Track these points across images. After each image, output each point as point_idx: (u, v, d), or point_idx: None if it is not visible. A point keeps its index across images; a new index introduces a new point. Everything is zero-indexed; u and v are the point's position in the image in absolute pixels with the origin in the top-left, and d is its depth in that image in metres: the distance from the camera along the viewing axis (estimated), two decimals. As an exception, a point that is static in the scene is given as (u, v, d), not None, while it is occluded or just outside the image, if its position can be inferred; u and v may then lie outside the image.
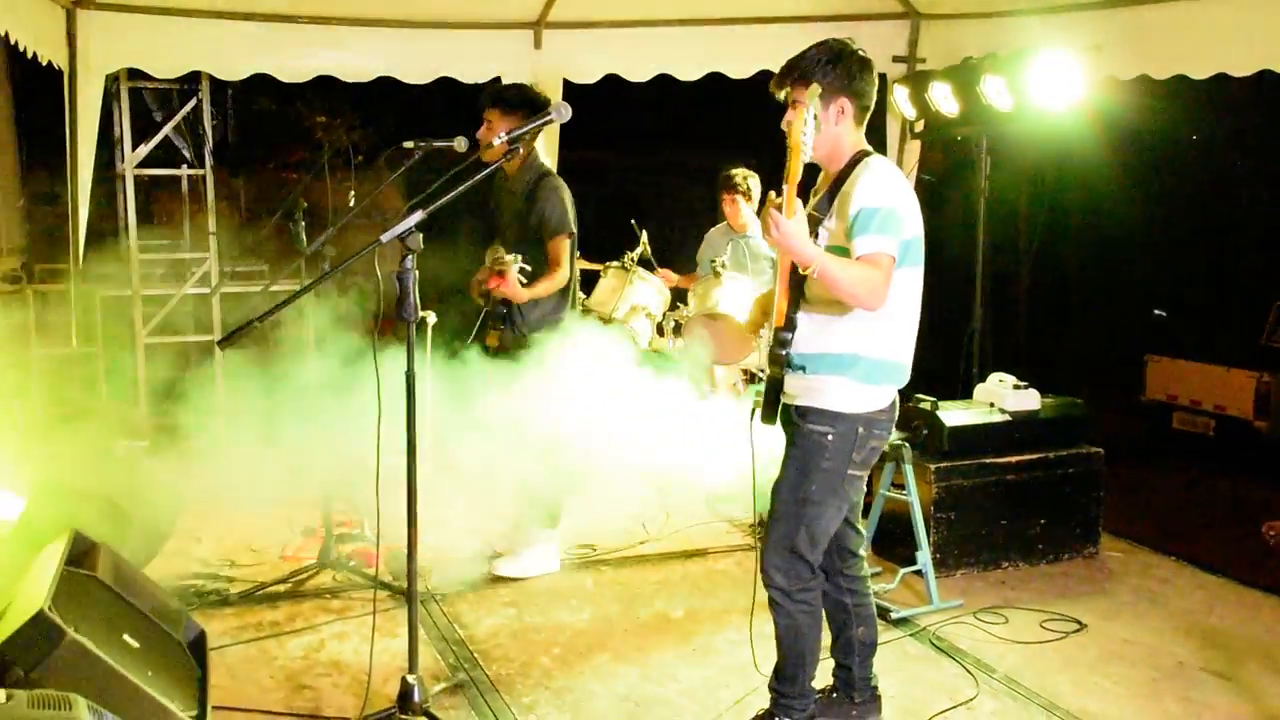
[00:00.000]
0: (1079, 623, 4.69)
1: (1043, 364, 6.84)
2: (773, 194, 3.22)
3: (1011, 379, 5.48)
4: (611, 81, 7.06)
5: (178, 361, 8.12)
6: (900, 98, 7.06)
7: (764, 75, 7.07)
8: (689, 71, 7.06)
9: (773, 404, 3.51)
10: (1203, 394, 7.32)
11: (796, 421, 3.46)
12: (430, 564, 5.04)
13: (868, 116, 3.46)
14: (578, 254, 5.18)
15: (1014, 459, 5.26)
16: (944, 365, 6.83)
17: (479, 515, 5.51)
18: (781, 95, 3.43)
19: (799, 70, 3.36)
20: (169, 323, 7.94)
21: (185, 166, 8.04)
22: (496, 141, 3.64)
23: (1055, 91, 5.98)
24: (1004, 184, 6.94)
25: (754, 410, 3.59)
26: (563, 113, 3.53)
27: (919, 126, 7.16)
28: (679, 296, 7.08)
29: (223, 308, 8.06)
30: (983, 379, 5.69)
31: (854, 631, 3.71)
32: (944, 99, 6.71)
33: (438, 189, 3.51)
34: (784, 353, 3.40)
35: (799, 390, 3.46)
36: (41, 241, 9.18)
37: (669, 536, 5.71)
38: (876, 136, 7.47)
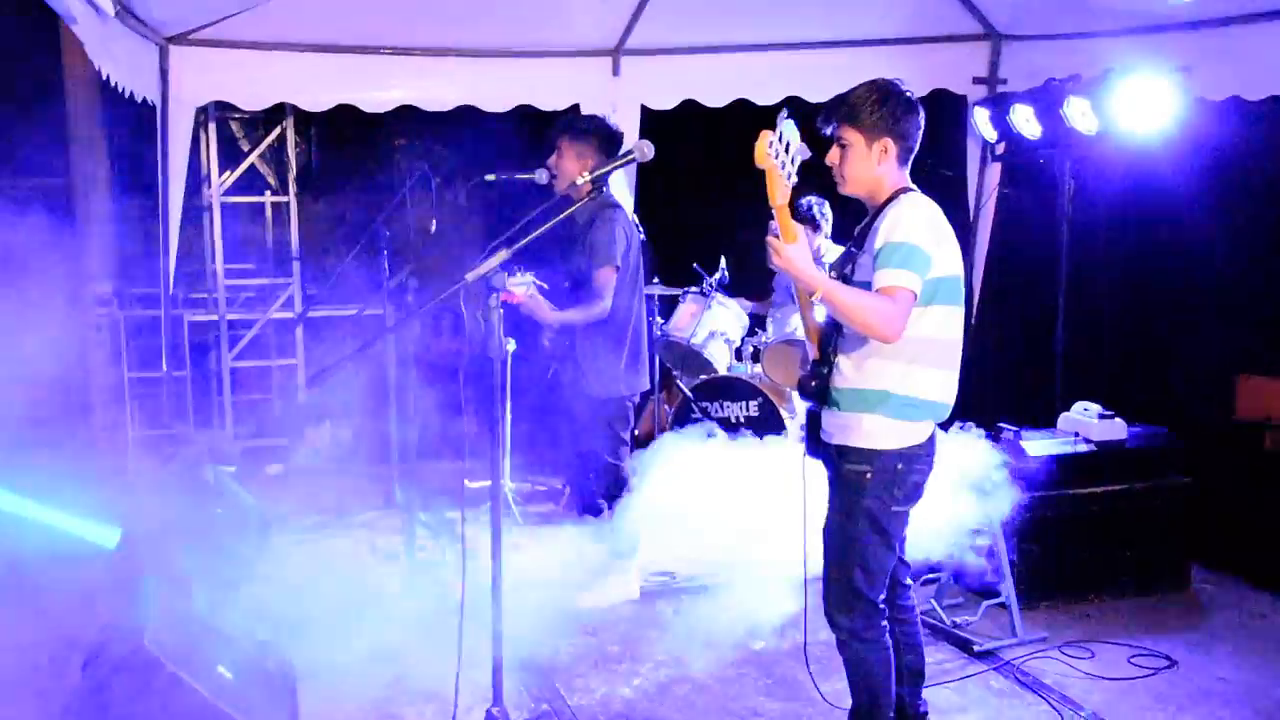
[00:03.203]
0: (1169, 659, 4.60)
1: (1129, 386, 6.71)
2: (771, 224, 3.26)
3: (1097, 408, 5.38)
4: (690, 107, 7.08)
5: (262, 385, 8.29)
6: (981, 119, 6.99)
7: (842, 99, 7.03)
8: (767, 96, 7.04)
9: (815, 438, 3.58)
10: (1297, 414, 7.12)
11: (836, 461, 3.49)
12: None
13: (911, 157, 3.49)
14: (649, 283, 5.17)
15: (1099, 490, 5.17)
16: (1028, 391, 6.73)
17: (562, 544, 5.54)
18: (829, 131, 3.48)
19: (846, 108, 3.42)
20: (253, 347, 8.10)
21: (269, 193, 8.22)
22: (580, 180, 3.68)
23: (1142, 113, 5.88)
24: (1088, 207, 6.84)
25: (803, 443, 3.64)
26: (646, 152, 3.55)
27: (1000, 149, 7.08)
28: (757, 322, 7.10)
29: (306, 333, 8.22)
30: (1067, 404, 5.60)
31: (902, 659, 3.70)
32: (1025, 121, 6.63)
33: (520, 229, 3.54)
34: (814, 385, 3.44)
35: (834, 428, 3.49)
36: (131, 264, 9.37)
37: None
38: (957, 158, 7.45)
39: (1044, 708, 4.18)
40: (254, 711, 3.42)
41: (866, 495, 3.41)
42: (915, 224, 3.30)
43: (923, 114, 3.48)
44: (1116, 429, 5.32)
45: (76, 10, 4.02)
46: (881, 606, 3.54)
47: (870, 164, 3.42)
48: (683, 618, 5.01)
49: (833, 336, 3.45)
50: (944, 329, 3.41)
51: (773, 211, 3.22)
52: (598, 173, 3.67)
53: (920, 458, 3.46)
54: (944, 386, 3.46)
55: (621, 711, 4.16)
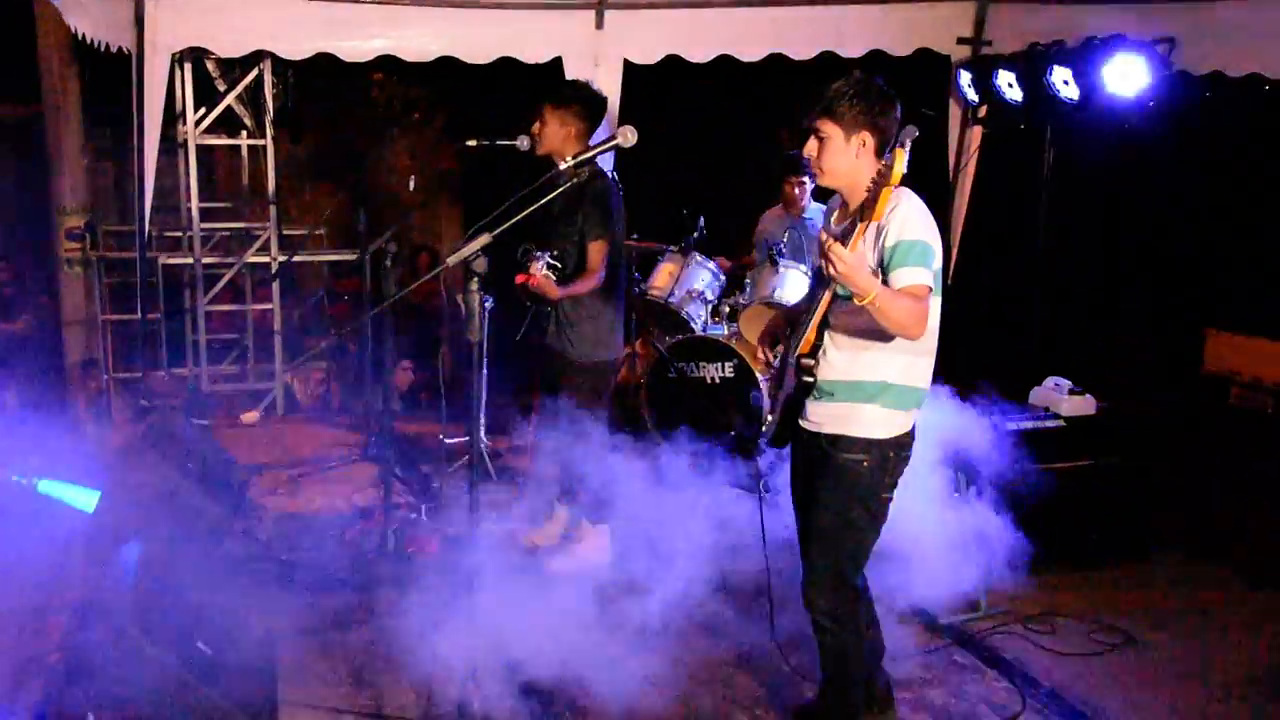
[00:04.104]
0: (1127, 635, 4.71)
1: (1102, 348, 6.80)
2: (822, 230, 3.28)
3: (1068, 383, 5.45)
4: (673, 62, 7.02)
5: (237, 329, 8.26)
6: (964, 82, 6.97)
7: (826, 57, 7.02)
8: (750, 52, 6.99)
9: (786, 425, 3.60)
10: (1263, 370, 7.24)
11: (827, 450, 3.50)
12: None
13: (887, 150, 3.45)
14: (627, 239, 5.14)
15: (1067, 465, 5.24)
16: (1002, 355, 6.78)
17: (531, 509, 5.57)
18: (806, 123, 3.47)
19: (823, 101, 3.41)
20: (229, 290, 8.06)
21: (246, 135, 8.12)
22: (563, 165, 3.67)
23: (1123, 84, 5.89)
24: (1068, 172, 6.86)
25: (764, 431, 3.66)
26: (629, 138, 3.56)
27: (983, 112, 7.07)
28: (735, 282, 7.11)
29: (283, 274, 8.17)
30: (1040, 372, 5.65)
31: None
32: (1008, 86, 6.63)
33: (504, 211, 3.55)
34: (810, 380, 3.44)
35: (826, 418, 3.50)
36: (105, 198, 9.28)
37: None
38: (937, 121, 7.43)
39: (1004, 684, 4.30)
40: (233, 684, 3.47)
41: (863, 485, 3.47)
42: (920, 221, 3.34)
43: (900, 107, 3.46)
44: (1086, 405, 5.39)
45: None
46: (860, 592, 3.63)
47: (849, 157, 3.42)
48: (651, 586, 5.05)
49: (823, 327, 3.45)
50: (935, 318, 3.46)
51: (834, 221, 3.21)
52: (580, 158, 3.68)
53: (908, 445, 3.54)
54: (929, 374, 3.54)
55: (594, 683, 4.23)
